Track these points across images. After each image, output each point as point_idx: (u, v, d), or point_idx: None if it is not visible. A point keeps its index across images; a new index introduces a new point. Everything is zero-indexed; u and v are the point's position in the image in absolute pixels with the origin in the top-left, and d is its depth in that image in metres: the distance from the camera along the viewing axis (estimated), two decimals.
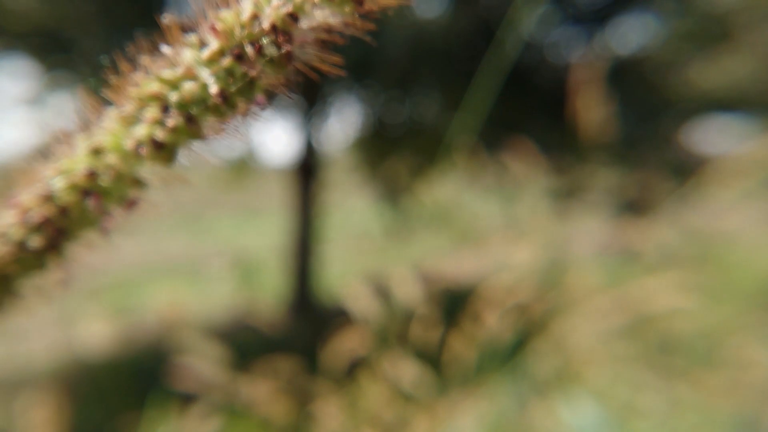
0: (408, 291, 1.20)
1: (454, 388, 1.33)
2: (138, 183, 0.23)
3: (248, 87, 0.22)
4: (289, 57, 0.22)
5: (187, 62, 0.22)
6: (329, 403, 1.25)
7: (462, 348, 1.25)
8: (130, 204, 0.24)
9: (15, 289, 0.24)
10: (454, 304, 1.53)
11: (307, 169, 3.95)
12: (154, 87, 0.22)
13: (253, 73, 0.21)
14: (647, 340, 1.63)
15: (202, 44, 0.22)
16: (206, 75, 0.21)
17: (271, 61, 0.21)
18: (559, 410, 1.36)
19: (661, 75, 3.45)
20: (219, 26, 0.21)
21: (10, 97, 3.17)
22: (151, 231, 6.85)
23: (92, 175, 0.22)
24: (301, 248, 4.04)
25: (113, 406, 2.39)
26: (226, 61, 0.21)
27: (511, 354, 1.49)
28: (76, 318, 3.78)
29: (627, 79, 3.40)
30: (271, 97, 0.23)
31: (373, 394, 1.21)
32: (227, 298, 4.18)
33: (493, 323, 1.25)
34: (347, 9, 0.22)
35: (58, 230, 0.23)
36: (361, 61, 3.44)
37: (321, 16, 0.22)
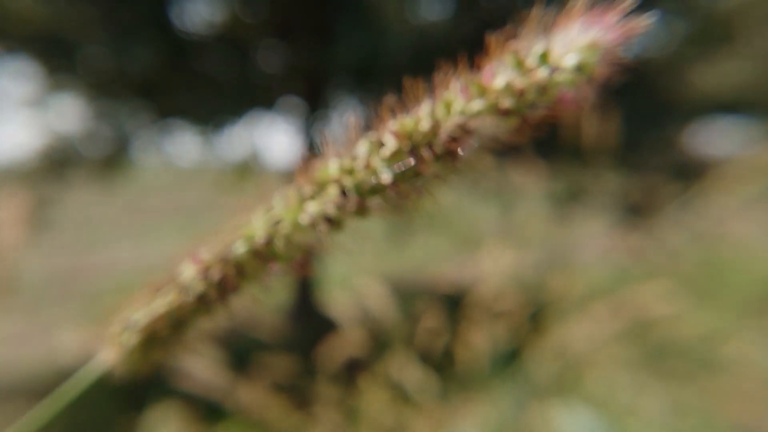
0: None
1: (453, 392, 1.33)
2: (307, 249, 0.26)
3: (415, 178, 0.25)
4: (456, 158, 0.25)
5: (365, 156, 0.25)
6: (328, 407, 1.24)
7: (460, 352, 1.24)
8: (301, 264, 0.27)
9: (184, 333, 0.27)
10: (454, 308, 1.52)
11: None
12: (334, 173, 0.25)
13: (425, 170, 0.24)
14: (647, 344, 1.62)
15: (381, 143, 0.25)
16: (383, 168, 0.24)
17: (440, 159, 0.24)
18: (559, 415, 1.36)
19: (663, 77, 3.45)
20: (398, 130, 0.24)
21: (12, 99, 3.18)
22: (153, 234, 6.86)
23: (269, 242, 0.25)
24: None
25: (113, 408, 2.39)
26: (402, 157, 0.24)
27: (510, 358, 1.48)
28: (79, 321, 3.79)
29: (629, 82, 3.40)
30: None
31: (372, 397, 1.21)
32: None
33: (490, 327, 1.25)
34: (512, 124, 0.24)
35: (232, 286, 0.26)
36: (364, 64, 3.45)
37: (489, 128, 0.25)
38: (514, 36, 0.26)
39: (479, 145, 0.25)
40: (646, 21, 0.25)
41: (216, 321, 0.26)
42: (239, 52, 3.34)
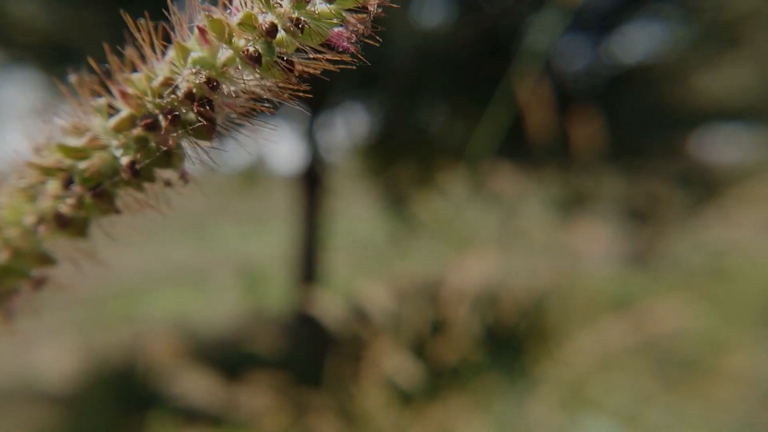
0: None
1: (452, 396, 1.32)
2: (44, 259, 0.20)
3: (165, 158, 0.19)
4: (211, 125, 0.19)
5: (94, 130, 0.19)
6: (328, 413, 1.24)
7: (460, 353, 1.23)
8: (38, 282, 0.20)
9: None
10: (453, 309, 1.51)
11: (312, 178, 3.95)
12: (55, 157, 0.19)
13: (166, 144, 0.19)
14: (653, 352, 1.60)
15: (112, 110, 0.19)
16: (115, 145, 0.19)
17: (191, 129, 0.19)
18: (565, 423, 1.34)
19: (667, 83, 3.43)
20: (129, 90, 0.19)
21: (17, 108, 3.19)
22: (156, 239, 6.87)
23: None
24: (306, 256, 4.04)
25: (114, 417, 2.39)
26: (137, 131, 0.19)
27: (512, 362, 1.47)
28: (82, 327, 3.79)
29: (633, 87, 3.39)
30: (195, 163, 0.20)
31: (371, 401, 1.20)
32: (232, 306, 4.18)
33: (490, 328, 1.24)
34: (275, 74, 0.20)
35: None
36: (367, 69, 3.45)
37: (246, 82, 0.20)
38: None
39: (237, 105, 0.19)
40: None
41: None
42: None
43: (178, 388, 1.17)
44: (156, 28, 0.21)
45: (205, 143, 0.20)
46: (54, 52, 2.79)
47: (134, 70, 0.20)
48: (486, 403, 1.33)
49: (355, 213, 5.63)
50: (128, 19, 0.20)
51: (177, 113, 0.18)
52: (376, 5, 0.21)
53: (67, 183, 0.19)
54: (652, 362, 1.66)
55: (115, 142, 0.19)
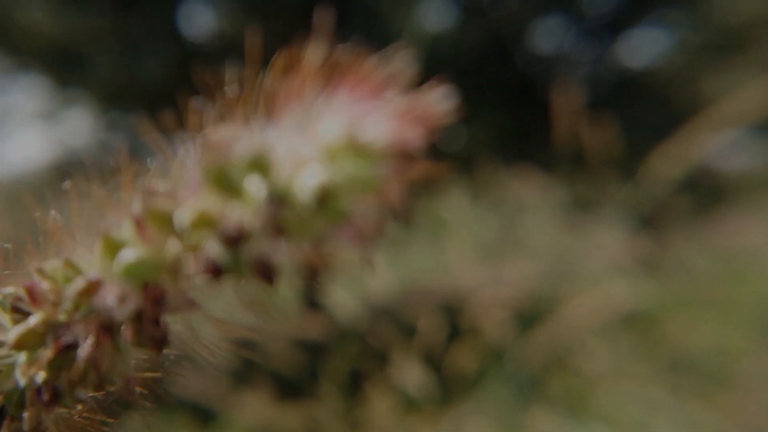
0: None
1: (458, 399, 1.30)
2: None
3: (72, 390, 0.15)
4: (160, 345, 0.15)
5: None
6: (334, 412, 1.23)
7: (465, 358, 1.22)
8: None
9: None
10: (457, 314, 1.50)
11: None
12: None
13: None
14: (660, 358, 1.58)
15: (17, 311, 0.15)
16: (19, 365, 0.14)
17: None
18: (569, 430, 1.33)
19: (673, 88, 3.42)
20: (42, 287, 0.15)
21: (23, 113, 3.21)
22: None
23: None
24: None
25: (120, 417, 2.38)
26: (48, 353, 0.14)
27: (517, 368, 1.46)
28: None
29: (639, 92, 3.37)
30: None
31: (377, 403, 1.19)
32: (234, 308, 4.17)
33: (495, 335, 1.23)
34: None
35: None
36: None
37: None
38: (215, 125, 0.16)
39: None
40: (447, 99, 0.14)
41: None
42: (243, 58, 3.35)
43: (182, 388, 1.16)
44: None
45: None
46: (60, 58, 2.80)
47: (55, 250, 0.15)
48: (493, 410, 1.32)
49: None
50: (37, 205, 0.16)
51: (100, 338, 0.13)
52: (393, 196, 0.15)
53: None
54: (661, 370, 1.64)
55: (19, 361, 0.14)
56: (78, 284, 0.14)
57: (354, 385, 1.26)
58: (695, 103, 3.46)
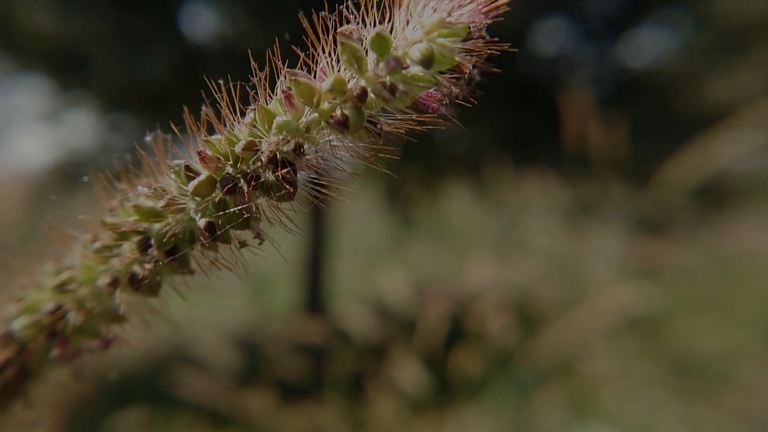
0: (403, 299, 1.19)
1: (462, 401, 1.30)
2: (115, 318, 0.19)
3: (244, 221, 0.19)
4: (293, 188, 0.19)
5: (171, 193, 0.18)
6: (335, 415, 1.23)
7: (469, 361, 1.22)
8: (107, 342, 0.20)
9: None
10: (461, 317, 1.50)
11: (317, 183, 3.95)
12: (131, 219, 0.19)
13: (247, 208, 0.18)
14: (664, 361, 1.58)
15: (189, 172, 0.18)
16: (193, 208, 0.18)
17: (274, 193, 0.19)
18: (573, 431, 1.32)
19: (676, 89, 3.42)
20: (209, 153, 0.18)
21: (27, 114, 3.22)
22: None
23: (58, 312, 0.18)
24: (313, 262, 4.03)
25: (123, 415, 2.38)
26: (217, 195, 0.18)
27: (520, 369, 1.45)
28: None
29: (641, 93, 3.37)
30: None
31: (379, 405, 1.19)
32: (239, 312, 4.17)
33: (498, 336, 1.23)
34: (362, 137, 0.20)
35: (20, 372, 0.19)
36: None
37: (331, 143, 0.20)
38: (351, 18, 0.20)
39: (322, 167, 0.19)
40: None
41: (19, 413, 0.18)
42: (248, 63, 3.35)
43: (186, 389, 1.16)
44: (235, 88, 0.20)
45: (285, 205, 0.19)
46: (63, 60, 2.80)
47: (210, 130, 0.19)
48: (497, 411, 1.31)
49: (361, 218, 5.63)
50: (208, 80, 0.19)
51: (260, 178, 0.18)
52: (471, 67, 0.21)
53: (144, 246, 0.18)
54: (664, 371, 1.63)
55: (193, 206, 0.18)
56: (241, 144, 0.18)
57: (357, 387, 1.26)
58: (698, 103, 3.45)
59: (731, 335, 1.96)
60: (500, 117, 3.11)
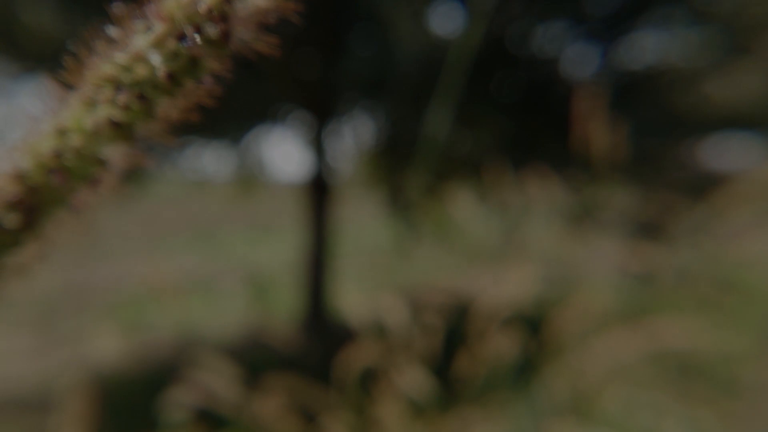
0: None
1: (465, 407, 1.30)
2: (100, 162, 0.24)
3: (193, 67, 0.23)
4: (226, 37, 0.23)
5: (137, 47, 0.23)
6: (339, 420, 1.23)
7: (472, 365, 1.22)
8: (94, 183, 0.24)
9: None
10: (464, 321, 1.50)
11: (320, 185, 3.96)
12: (108, 70, 0.24)
13: (195, 52, 0.23)
14: (667, 365, 1.58)
15: (150, 30, 0.23)
16: (155, 57, 0.23)
17: (212, 42, 0.23)
18: None
19: (676, 91, 3.42)
20: (163, 12, 0.23)
21: (31, 117, 3.22)
22: (164, 247, 6.89)
23: (57, 154, 0.23)
24: (314, 264, 4.04)
25: (126, 423, 2.38)
26: (171, 44, 0.23)
27: (522, 374, 1.45)
28: (90, 335, 3.79)
29: (641, 94, 3.37)
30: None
31: (383, 411, 1.19)
32: (240, 314, 4.18)
33: (501, 341, 1.23)
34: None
35: (31, 208, 0.24)
36: (374, 77, 3.46)
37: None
38: None
39: (252, 21, 0.24)
40: None
41: (30, 250, 0.24)
42: (249, 66, 3.36)
43: (189, 392, 1.16)
44: None
45: (223, 53, 0.24)
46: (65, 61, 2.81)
47: None
48: (499, 415, 1.32)
49: (363, 221, 5.63)
50: None
51: (201, 27, 0.23)
52: None
53: (117, 90, 0.23)
54: (667, 375, 1.64)
55: (155, 55, 0.23)
56: (182, 2, 0.23)
57: (361, 392, 1.26)
58: (698, 105, 3.46)
59: (734, 338, 1.96)
60: (502, 119, 3.12)
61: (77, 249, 6.14)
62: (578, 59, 3.59)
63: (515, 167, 2.02)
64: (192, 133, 3.53)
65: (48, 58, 2.76)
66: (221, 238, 7.32)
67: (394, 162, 3.91)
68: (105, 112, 0.23)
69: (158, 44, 0.23)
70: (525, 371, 1.39)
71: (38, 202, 0.23)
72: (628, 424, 1.48)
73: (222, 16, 0.23)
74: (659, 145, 3.24)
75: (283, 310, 4.28)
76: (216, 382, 1.21)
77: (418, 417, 1.20)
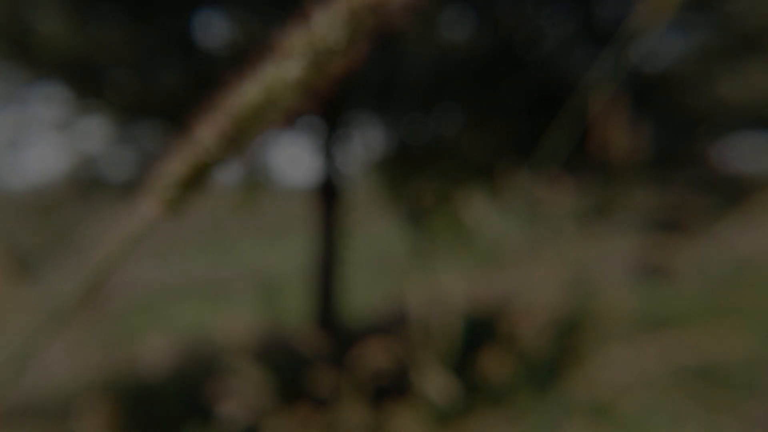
0: (425, 310, 1.17)
1: (485, 410, 1.28)
2: (284, 107, 0.31)
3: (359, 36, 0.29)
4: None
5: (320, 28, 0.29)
6: (356, 426, 1.21)
7: (494, 369, 1.20)
8: (277, 123, 0.31)
9: (209, 178, 0.32)
10: (482, 325, 1.48)
11: (330, 191, 3.96)
12: (297, 41, 0.30)
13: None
14: (687, 369, 1.55)
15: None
16: (335, 33, 0.28)
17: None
18: None
19: (691, 92, 3.39)
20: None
21: (41, 123, 3.25)
22: (175, 253, 6.92)
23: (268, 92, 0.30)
24: (325, 270, 4.03)
25: (150, 429, 2.38)
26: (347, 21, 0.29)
27: (544, 378, 1.43)
28: (102, 341, 3.80)
29: (656, 96, 3.35)
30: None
31: (403, 414, 1.17)
32: (251, 320, 4.17)
33: (524, 344, 1.21)
34: None
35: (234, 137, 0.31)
36: (384, 82, 3.45)
37: None
38: None
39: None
40: None
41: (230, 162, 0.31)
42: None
43: (219, 399, 1.15)
44: None
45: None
46: (78, 70, 2.83)
47: None
48: (519, 420, 1.29)
49: (373, 227, 5.62)
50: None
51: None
52: None
53: (302, 55, 0.29)
54: (687, 379, 1.61)
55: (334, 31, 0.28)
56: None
57: (379, 396, 1.25)
58: (712, 106, 3.42)
59: (753, 341, 1.93)
60: (514, 122, 3.10)
61: (88, 256, 6.17)
62: (589, 61, 3.57)
63: (529, 169, 2.00)
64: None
65: (60, 65, 2.78)
66: (231, 243, 7.34)
67: (405, 167, 3.90)
68: (293, 71, 0.30)
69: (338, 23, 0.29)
70: (547, 375, 1.37)
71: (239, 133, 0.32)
72: (647, 429, 1.45)
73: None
74: (676, 146, 3.21)
75: (293, 316, 4.27)
76: (246, 390, 1.20)
77: (440, 422, 1.18)
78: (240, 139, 0.32)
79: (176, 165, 0.32)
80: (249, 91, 0.31)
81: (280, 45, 0.30)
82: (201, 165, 0.32)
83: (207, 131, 0.32)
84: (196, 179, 0.32)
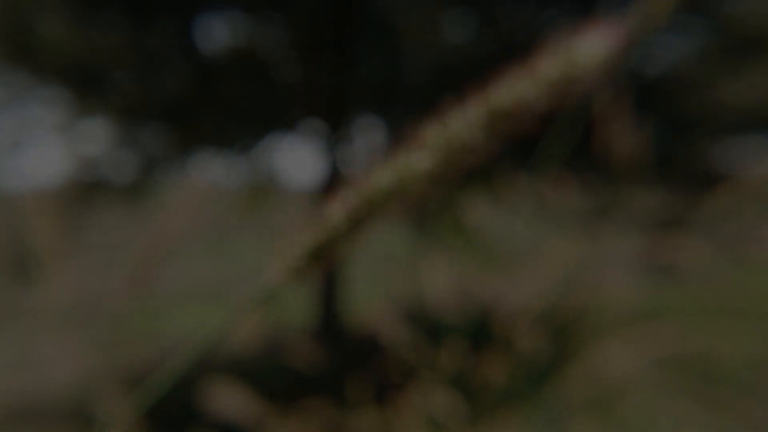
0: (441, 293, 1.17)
1: (485, 415, 1.29)
2: (407, 194, 0.31)
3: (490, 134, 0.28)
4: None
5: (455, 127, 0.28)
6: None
7: (492, 372, 1.20)
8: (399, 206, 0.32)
9: (335, 253, 0.34)
10: (483, 327, 1.49)
11: (332, 192, 3.96)
12: (430, 137, 0.29)
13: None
14: (690, 369, 1.55)
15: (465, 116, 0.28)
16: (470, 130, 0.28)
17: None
18: None
19: (692, 93, 3.39)
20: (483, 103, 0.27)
21: (43, 125, 3.26)
22: (179, 255, 6.92)
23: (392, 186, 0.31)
24: (327, 272, 4.03)
25: (151, 429, 2.38)
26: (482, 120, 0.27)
27: (543, 380, 1.43)
28: (106, 344, 3.81)
29: (658, 98, 3.35)
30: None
31: (402, 423, 1.17)
32: (253, 323, 4.17)
33: (522, 347, 1.21)
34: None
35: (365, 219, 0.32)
36: (385, 85, 3.46)
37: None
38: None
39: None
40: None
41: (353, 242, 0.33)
42: (261, 74, 3.38)
43: (210, 404, 1.15)
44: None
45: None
46: (80, 74, 2.84)
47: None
48: (523, 425, 1.29)
49: (376, 229, 5.61)
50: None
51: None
52: None
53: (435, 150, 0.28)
54: (688, 379, 1.61)
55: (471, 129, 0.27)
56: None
57: (379, 403, 1.25)
58: (713, 108, 3.42)
59: (756, 342, 1.93)
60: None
61: (93, 259, 6.17)
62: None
63: (531, 170, 2.00)
64: (205, 141, 3.55)
65: (63, 68, 2.79)
66: (234, 245, 7.35)
67: None
68: (425, 162, 0.30)
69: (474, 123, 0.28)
70: (546, 375, 1.37)
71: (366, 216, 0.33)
72: (648, 429, 1.45)
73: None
74: (677, 146, 3.21)
75: (295, 318, 4.27)
76: (237, 400, 1.20)
77: (440, 429, 1.18)
78: (366, 219, 0.33)
79: (307, 237, 0.34)
80: (382, 176, 0.32)
81: (416, 137, 0.31)
82: (328, 240, 0.34)
83: (338, 209, 0.33)
84: (321, 252, 0.34)
